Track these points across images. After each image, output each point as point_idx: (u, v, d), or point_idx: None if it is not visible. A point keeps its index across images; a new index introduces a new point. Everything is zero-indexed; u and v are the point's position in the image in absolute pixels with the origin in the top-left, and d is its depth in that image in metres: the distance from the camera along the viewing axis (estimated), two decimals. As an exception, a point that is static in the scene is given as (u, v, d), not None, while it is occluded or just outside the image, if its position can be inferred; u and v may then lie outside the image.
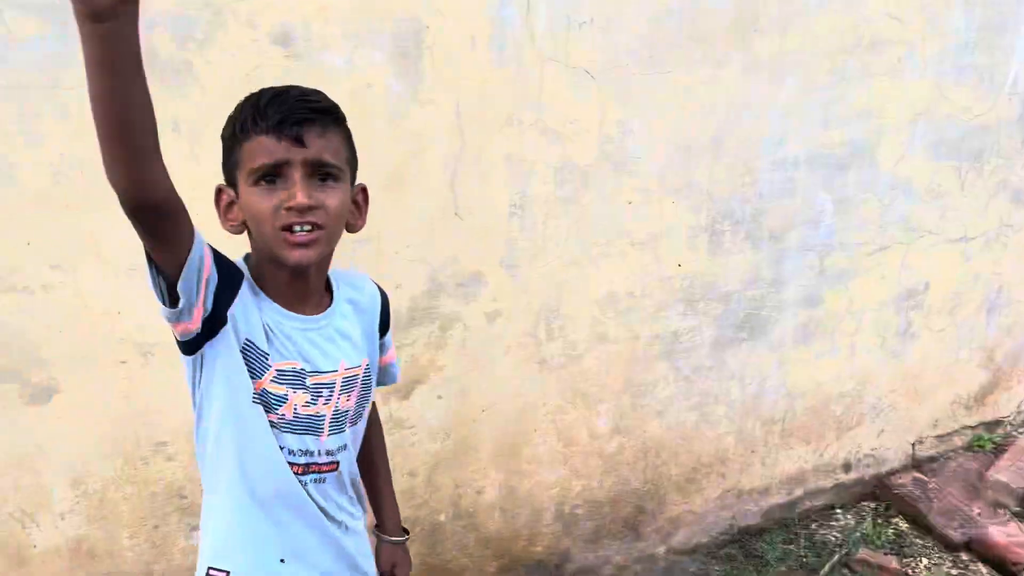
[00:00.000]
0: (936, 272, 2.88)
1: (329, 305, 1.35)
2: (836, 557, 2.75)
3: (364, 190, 1.35)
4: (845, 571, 2.74)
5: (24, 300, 1.75)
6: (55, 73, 1.67)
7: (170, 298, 1.14)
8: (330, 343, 1.33)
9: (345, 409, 1.34)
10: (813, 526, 2.97)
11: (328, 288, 1.37)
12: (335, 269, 1.38)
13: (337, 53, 1.88)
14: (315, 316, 1.32)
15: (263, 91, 1.22)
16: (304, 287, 1.30)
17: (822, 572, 2.70)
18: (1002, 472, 3.00)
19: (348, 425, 1.36)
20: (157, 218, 1.05)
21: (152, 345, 1.87)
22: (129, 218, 1.03)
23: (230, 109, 1.23)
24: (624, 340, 2.47)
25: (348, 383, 1.34)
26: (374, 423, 1.55)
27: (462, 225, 2.13)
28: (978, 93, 2.71)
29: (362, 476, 1.48)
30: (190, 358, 1.24)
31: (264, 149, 1.18)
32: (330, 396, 1.31)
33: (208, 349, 1.22)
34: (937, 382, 3.07)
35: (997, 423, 3.20)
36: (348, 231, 1.31)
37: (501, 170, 2.14)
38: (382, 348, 1.47)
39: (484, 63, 2.03)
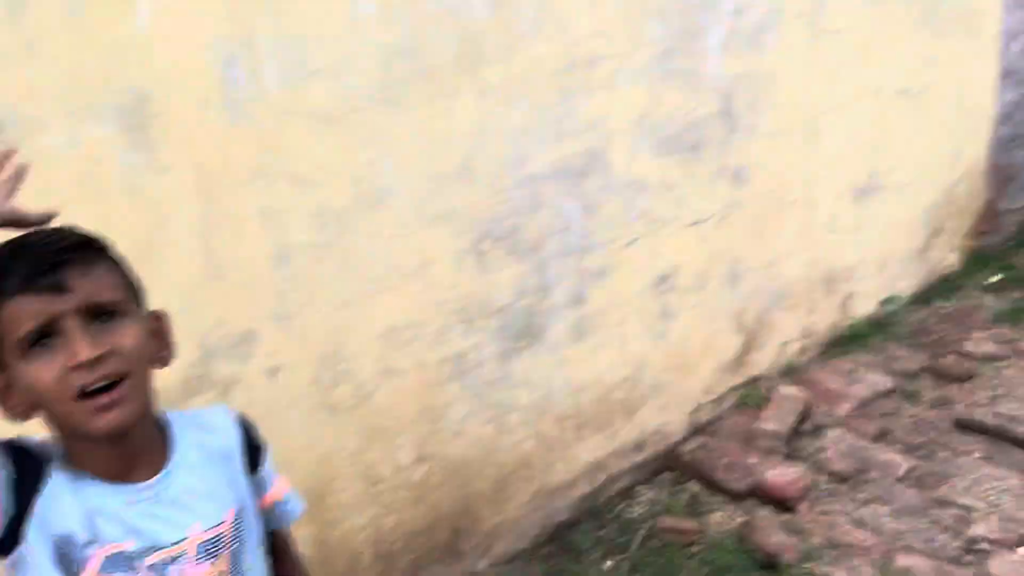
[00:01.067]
0: (680, 255, 3.18)
1: (166, 462, 1.15)
2: (641, 532, 2.96)
3: (159, 317, 1.17)
4: (655, 542, 2.95)
5: None
6: None
7: None
8: (173, 508, 1.13)
9: None
10: (620, 507, 3.16)
11: (166, 438, 1.17)
12: (175, 412, 1.21)
13: (57, 133, 1.80)
14: (148, 482, 1.12)
15: None
16: (126, 451, 1.10)
17: (632, 548, 2.89)
18: (768, 421, 3.34)
19: None
20: None
21: None
22: None
23: None
24: (412, 369, 2.53)
25: (209, 547, 1.14)
26: (287, 564, 1.36)
27: (225, 285, 2.10)
28: (686, 93, 3.03)
29: None
30: (5, 562, 1.08)
31: (24, 312, 1.01)
32: (181, 572, 1.13)
33: (23, 551, 1.06)
34: (701, 353, 3.38)
35: (756, 379, 3.57)
36: (158, 367, 1.14)
37: (257, 224, 2.14)
38: (260, 487, 1.27)
39: (220, 123, 2.02)
